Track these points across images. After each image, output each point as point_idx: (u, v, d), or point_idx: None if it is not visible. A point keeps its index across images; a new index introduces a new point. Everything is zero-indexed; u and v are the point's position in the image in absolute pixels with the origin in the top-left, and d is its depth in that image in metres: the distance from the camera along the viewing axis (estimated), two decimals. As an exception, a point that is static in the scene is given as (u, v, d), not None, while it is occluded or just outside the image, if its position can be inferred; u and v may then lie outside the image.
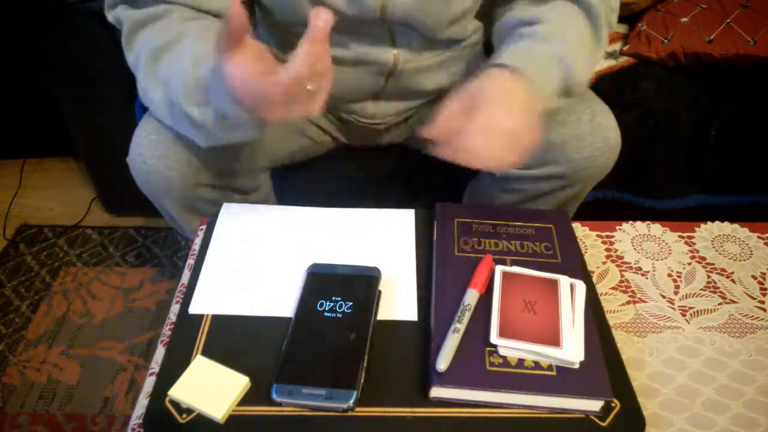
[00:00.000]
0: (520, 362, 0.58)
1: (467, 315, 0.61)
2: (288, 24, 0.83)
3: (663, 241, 0.83)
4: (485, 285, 0.64)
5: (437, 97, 1.00)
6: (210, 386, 0.57)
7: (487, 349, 0.59)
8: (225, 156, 0.83)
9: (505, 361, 0.58)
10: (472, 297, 0.62)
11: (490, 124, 0.62)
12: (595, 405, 0.57)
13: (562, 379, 0.57)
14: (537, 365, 0.58)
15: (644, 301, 0.75)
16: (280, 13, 0.82)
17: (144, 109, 0.81)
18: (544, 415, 0.57)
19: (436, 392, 0.57)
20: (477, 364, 0.58)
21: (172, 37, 0.71)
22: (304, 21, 0.76)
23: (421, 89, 0.95)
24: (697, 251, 0.82)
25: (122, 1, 0.75)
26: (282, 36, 0.88)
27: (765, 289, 0.77)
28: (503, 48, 0.74)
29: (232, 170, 0.87)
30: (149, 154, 0.78)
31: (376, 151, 1.09)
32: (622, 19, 1.41)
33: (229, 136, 0.70)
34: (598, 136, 0.81)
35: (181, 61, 0.68)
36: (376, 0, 0.76)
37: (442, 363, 0.56)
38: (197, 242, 0.76)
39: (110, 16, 0.77)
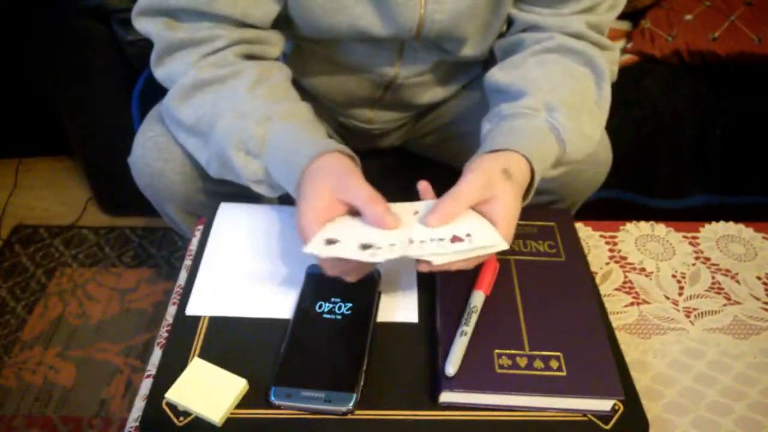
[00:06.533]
0: (530, 363, 0.57)
1: (474, 317, 0.60)
2: (311, 40, 0.82)
3: (667, 241, 0.82)
4: (490, 286, 0.63)
5: (438, 104, 1.00)
6: (207, 389, 0.56)
7: (496, 351, 0.58)
8: None
9: (515, 363, 0.57)
10: (478, 299, 0.61)
11: (511, 214, 0.60)
12: (606, 405, 0.56)
13: (572, 380, 0.56)
14: (547, 366, 0.57)
15: (648, 303, 0.74)
16: (309, 30, 0.78)
17: (141, 110, 0.79)
18: (546, 418, 0.56)
19: (446, 397, 0.56)
20: (486, 366, 0.57)
21: (225, 73, 0.69)
22: (333, 36, 0.74)
23: (418, 102, 0.94)
24: (702, 251, 0.81)
25: (160, 13, 0.70)
26: (302, 47, 0.87)
27: (770, 289, 0.76)
28: (497, 128, 0.70)
29: None
30: (153, 156, 0.77)
31: (376, 153, 1.08)
32: (625, 16, 1.40)
33: (254, 186, 0.70)
34: None
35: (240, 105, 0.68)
36: (413, 20, 0.74)
37: (451, 367, 0.55)
38: (194, 242, 0.75)
39: (139, 24, 0.71)
